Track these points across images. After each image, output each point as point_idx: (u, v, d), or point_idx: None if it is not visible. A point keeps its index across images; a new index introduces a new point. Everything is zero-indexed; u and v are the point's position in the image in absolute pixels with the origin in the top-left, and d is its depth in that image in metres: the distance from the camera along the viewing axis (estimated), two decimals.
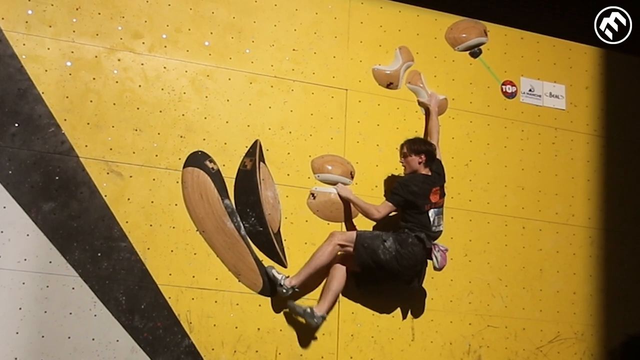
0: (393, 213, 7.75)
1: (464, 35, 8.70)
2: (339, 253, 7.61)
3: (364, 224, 7.90)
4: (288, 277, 7.47)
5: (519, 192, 8.62)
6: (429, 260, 7.75)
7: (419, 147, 7.84)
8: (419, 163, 7.80)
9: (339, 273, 7.61)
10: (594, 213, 8.86)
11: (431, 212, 7.71)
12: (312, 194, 7.86)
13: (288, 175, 7.83)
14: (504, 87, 8.76)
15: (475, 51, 8.73)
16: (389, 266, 7.53)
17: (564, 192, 8.80)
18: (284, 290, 7.40)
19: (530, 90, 8.86)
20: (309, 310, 7.42)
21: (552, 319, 8.48)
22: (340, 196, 7.93)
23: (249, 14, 7.99)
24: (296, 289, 7.45)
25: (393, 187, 7.77)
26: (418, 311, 8.02)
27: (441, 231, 7.85)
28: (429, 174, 7.82)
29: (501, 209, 8.51)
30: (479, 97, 8.64)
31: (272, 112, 7.90)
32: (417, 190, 7.65)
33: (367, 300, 7.86)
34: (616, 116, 9.14)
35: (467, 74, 8.68)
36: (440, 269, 7.72)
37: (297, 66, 8.07)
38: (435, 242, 7.72)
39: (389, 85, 8.32)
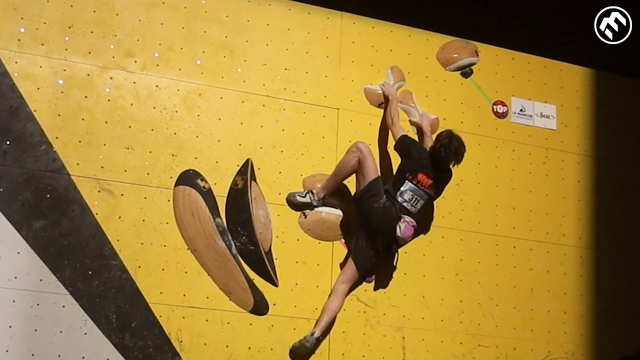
0: None
1: (455, 55, 8.73)
2: None
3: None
4: (311, 191, 7.86)
5: (510, 211, 8.64)
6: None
7: (434, 144, 7.96)
8: None
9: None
10: (585, 233, 8.88)
11: (407, 184, 7.74)
12: (304, 213, 7.86)
13: (279, 194, 7.84)
14: (495, 107, 8.79)
15: (466, 71, 8.76)
16: (371, 214, 7.67)
17: (555, 212, 8.81)
18: (315, 204, 7.83)
19: (521, 110, 8.89)
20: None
21: (543, 338, 8.49)
22: (384, 94, 8.32)
23: (241, 33, 8.02)
24: (326, 198, 7.89)
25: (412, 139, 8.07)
26: (409, 330, 8.01)
27: (412, 213, 7.76)
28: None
29: (492, 229, 8.52)
30: (470, 117, 8.67)
31: (264, 131, 7.91)
32: (414, 155, 7.81)
33: (358, 319, 7.86)
34: (607, 136, 9.17)
35: (459, 93, 8.71)
36: (402, 239, 7.74)
37: (289, 85, 8.09)
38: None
39: (381, 105, 8.34)
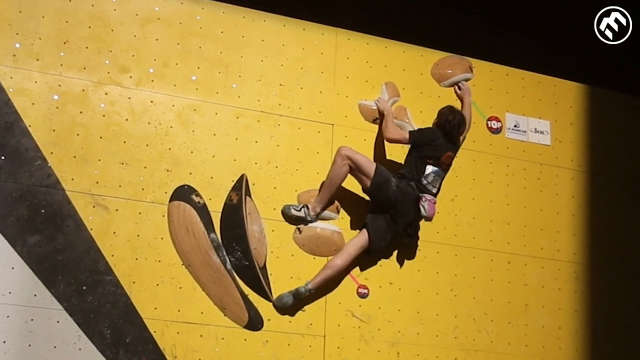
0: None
1: (449, 71, 8.75)
2: None
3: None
4: (306, 206, 7.87)
5: (505, 227, 8.65)
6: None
7: (438, 120, 8.16)
8: None
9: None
10: (579, 248, 8.89)
11: (429, 168, 7.93)
12: (298, 229, 7.87)
13: (274, 209, 7.84)
14: (489, 122, 8.80)
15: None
16: (390, 200, 7.78)
17: (549, 227, 8.82)
18: (309, 219, 7.85)
19: (515, 126, 8.91)
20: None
21: (538, 354, 8.48)
22: (378, 109, 8.30)
23: (236, 48, 8.04)
24: (320, 214, 7.92)
25: (421, 128, 8.19)
26: (404, 346, 8.00)
27: (433, 192, 7.96)
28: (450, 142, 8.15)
29: (487, 244, 8.52)
30: None
31: (259, 146, 7.92)
32: (438, 143, 7.96)
33: (353, 335, 7.85)
34: (600, 152, 9.19)
35: None
36: (429, 218, 7.96)
37: (283, 101, 8.10)
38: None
39: (375, 121, 8.35)
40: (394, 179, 7.88)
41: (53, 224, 7.15)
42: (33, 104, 7.28)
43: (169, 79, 7.77)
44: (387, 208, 7.85)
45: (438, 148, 7.95)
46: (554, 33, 10.56)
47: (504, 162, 8.77)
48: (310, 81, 8.25)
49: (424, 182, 7.91)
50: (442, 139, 8.01)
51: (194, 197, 7.60)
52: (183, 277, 7.43)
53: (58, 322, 7.00)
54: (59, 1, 7.52)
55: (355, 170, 7.84)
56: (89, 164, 7.35)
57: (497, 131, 8.81)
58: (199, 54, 7.91)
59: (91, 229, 7.25)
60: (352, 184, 8.05)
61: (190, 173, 7.65)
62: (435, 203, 7.92)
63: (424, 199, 7.84)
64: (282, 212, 7.84)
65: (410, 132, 8.08)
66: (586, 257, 8.89)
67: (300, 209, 7.84)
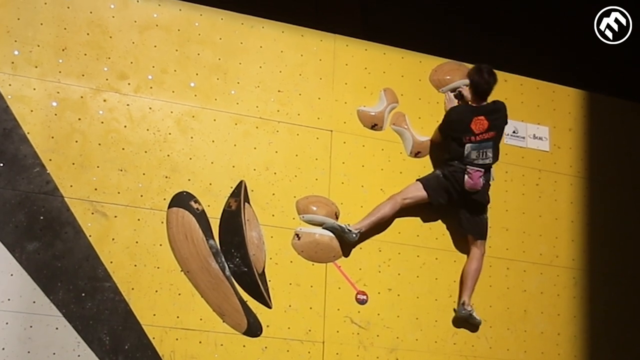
0: None
1: (448, 77, 8.74)
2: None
3: (349, 266, 7.93)
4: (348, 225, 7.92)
5: (503, 233, 8.64)
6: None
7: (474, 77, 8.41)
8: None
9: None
10: (578, 254, 8.88)
11: (467, 147, 8.06)
12: (297, 235, 7.87)
13: (273, 215, 7.84)
14: None
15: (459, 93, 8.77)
16: (453, 198, 8.17)
17: (548, 233, 8.82)
18: (353, 235, 7.86)
19: (514, 131, 8.90)
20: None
21: (537, 359, 8.50)
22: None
23: (234, 55, 8.04)
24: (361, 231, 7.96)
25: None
26: (403, 352, 7.99)
27: (486, 164, 8.15)
28: (475, 105, 8.28)
29: (486, 250, 8.50)
30: None
31: (257, 152, 7.93)
32: (455, 119, 8.15)
33: (351, 341, 7.85)
34: (599, 158, 9.19)
35: None
36: (469, 188, 8.09)
37: (282, 107, 8.11)
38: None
39: (374, 127, 8.36)
40: (438, 171, 8.17)
41: (52, 230, 7.15)
42: (31, 110, 7.28)
43: (167, 85, 7.77)
44: (461, 205, 8.18)
45: (458, 125, 8.14)
46: (553, 39, 10.57)
47: (502, 168, 8.74)
48: (309, 87, 8.25)
49: (467, 161, 8.05)
50: (456, 113, 8.21)
51: (192, 203, 7.60)
52: (182, 284, 7.42)
53: (57, 328, 7.00)
54: (57, 8, 7.53)
55: (414, 200, 8.13)
56: (87, 171, 7.35)
57: None
58: (198, 61, 7.92)
59: (90, 236, 7.25)
60: (350, 197, 8.09)
61: (189, 179, 7.65)
62: (478, 171, 8.06)
63: (465, 172, 8.02)
64: (325, 227, 7.95)
65: (440, 130, 8.34)
66: (585, 263, 8.88)
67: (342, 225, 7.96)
